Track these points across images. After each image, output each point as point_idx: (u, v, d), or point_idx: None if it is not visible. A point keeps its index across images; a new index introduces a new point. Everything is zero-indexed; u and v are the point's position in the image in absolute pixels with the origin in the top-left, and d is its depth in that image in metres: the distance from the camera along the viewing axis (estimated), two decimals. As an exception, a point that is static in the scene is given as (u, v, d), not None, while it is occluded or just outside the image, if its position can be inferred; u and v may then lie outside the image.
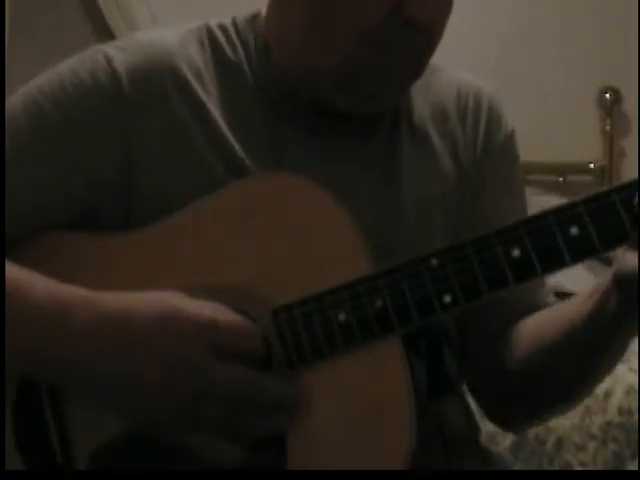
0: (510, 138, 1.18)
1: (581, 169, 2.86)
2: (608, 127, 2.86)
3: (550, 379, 1.07)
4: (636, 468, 1.70)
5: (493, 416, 1.17)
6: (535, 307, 1.12)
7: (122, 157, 1.04)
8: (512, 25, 2.91)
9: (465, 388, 1.17)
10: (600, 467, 1.75)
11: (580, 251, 0.90)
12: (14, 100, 1.06)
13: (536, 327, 1.08)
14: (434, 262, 0.93)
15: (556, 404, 1.12)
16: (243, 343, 0.93)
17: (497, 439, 1.79)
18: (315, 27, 1.04)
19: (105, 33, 3.01)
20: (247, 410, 0.92)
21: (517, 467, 1.78)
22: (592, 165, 2.85)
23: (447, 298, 0.93)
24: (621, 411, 1.78)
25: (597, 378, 1.08)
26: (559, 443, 1.80)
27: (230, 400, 0.91)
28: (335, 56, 1.03)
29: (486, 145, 1.15)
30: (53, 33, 2.96)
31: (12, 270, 0.95)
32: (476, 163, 1.14)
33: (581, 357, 1.02)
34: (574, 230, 0.90)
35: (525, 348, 1.08)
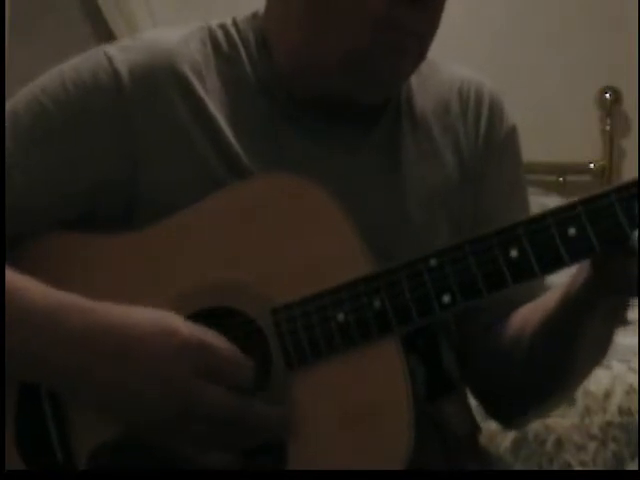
0: (512, 133, 1.18)
1: (581, 169, 2.87)
2: (608, 127, 2.86)
3: (534, 369, 1.07)
4: (636, 468, 1.70)
5: (491, 412, 1.17)
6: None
7: (123, 157, 1.04)
8: (512, 25, 2.91)
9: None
10: (600, 467, 1.75)
11: (578, 251, 0.90)
12: (17, 99, 1.06)
13: (520, 319, 1.09)
14: (433, 262, 0.93)
15: (546, 396, 1.12)
16: (234, 370, 0.93)
17: (497, 439, 1.79)
18: (320, 14, 1.03)
19: (105, 33, 3.02)
20: (236, 430, 0.93)
21: (517, 467, 1.78)
22: (592, 165, 2.86)
23: (446, 298, 0.93)
24: (621, 411, 1.78)
25: (582, 368, 1.07)
26: (559, 443, 1.80)
27: (218, 421, 0.92)
28: (342, 42, 1.02)
29: (488, 140, 1.15)
30: (53, 33, 2.97)
31: (8, 274, 0.95)
32: (478, 158, 1.15)
33: (560, 343, 1.02)
34: (572, 231, 0.90)
35: (511, 340, 1.09)
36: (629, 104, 2.85)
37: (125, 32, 2.93)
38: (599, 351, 1.05)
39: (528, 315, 1.08)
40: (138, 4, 3.00)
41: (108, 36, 2.96)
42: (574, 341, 1.02)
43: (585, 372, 1.09)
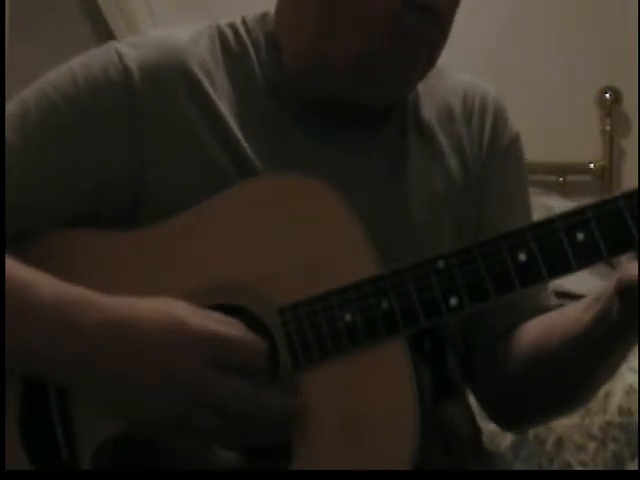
0: (515, 140, 1.18)
1: (581, 169, 2.87)
2: (608, 127, 2.86)
3: (550, 383, 1.08)
4: (636, 468, 1.70)
5: (494, 416, 1.17)
6: (538, 309, 1.12)
7: (131, 155, 1.03)
8: (512, 25, 2.91)
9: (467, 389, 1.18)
10: (600, 467, 1.75)
11: (586, 257, 0.90)
12: (27, 94, 1.06)
13: (539, 331, 1.09)
14: (441, 264, 0.93)
15: (556, 407, 1.13)
16: (245, 357, 0.93)
17: (497, 439, 1.79)
18: (332, 17, 1.04)
19: (105, 33, 3.01)
20: (245, 422, 0.93)
21: (517, 467, 1.78)
22: (592, 165, 2.85)
23: (453, 301, 0.93)
24: (621, 411, 1.78)
25: (597, 384, 1.08)
26: (559, 443, 1.80)
27: (228, 412, 0.92)
28: (352, 45, 1.03)
29: (491, 147, 1.16)
30: (53, 33, 2.97)
31: (18, 268, 0.95)
32: (481, 165, 1.15)
33: (582, 363, 1.03)
34: (581, 236, 0.90)
35: (527, 351, 1.08)
36: (629, 104, 2.85)
37: (125, 32, 2.93)
38: (620, 362, 1.05)
39: (549, 328, 1.07)
40: (138, 4, 3.00)
41: (108, 36, 2.95)
42: (600, 362, 1.02)
43: (603, 383, 1.09)
